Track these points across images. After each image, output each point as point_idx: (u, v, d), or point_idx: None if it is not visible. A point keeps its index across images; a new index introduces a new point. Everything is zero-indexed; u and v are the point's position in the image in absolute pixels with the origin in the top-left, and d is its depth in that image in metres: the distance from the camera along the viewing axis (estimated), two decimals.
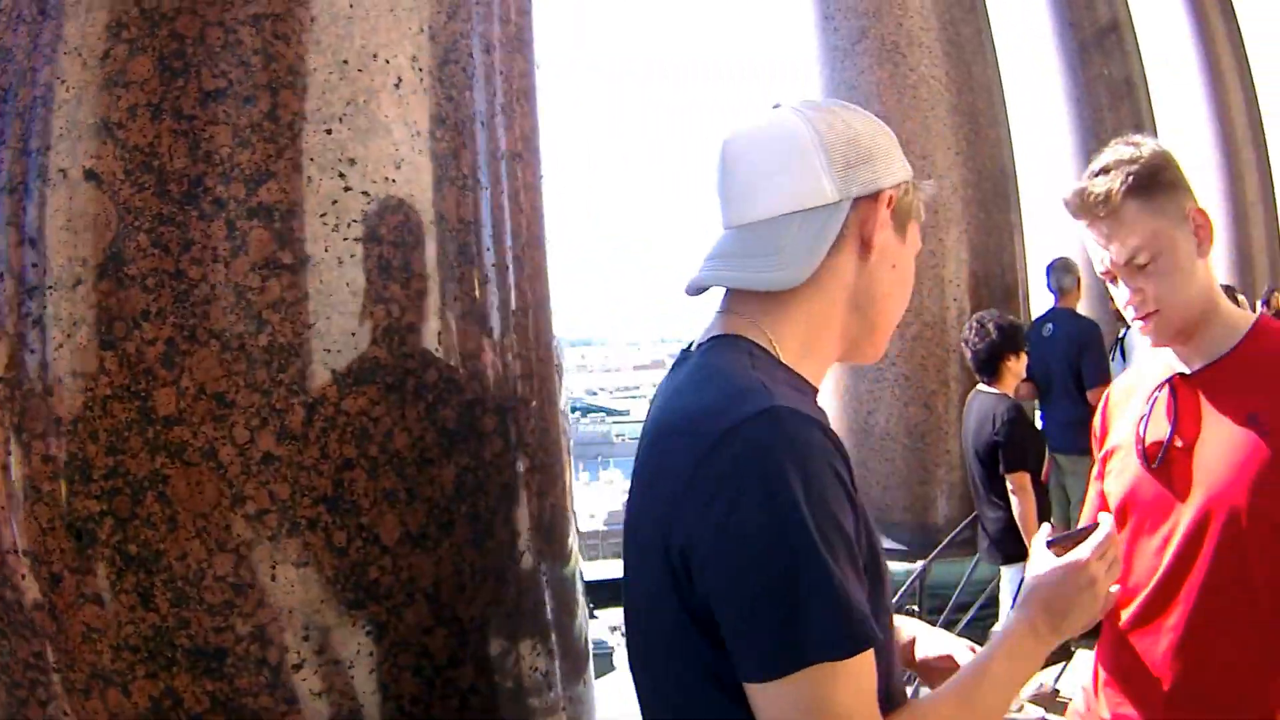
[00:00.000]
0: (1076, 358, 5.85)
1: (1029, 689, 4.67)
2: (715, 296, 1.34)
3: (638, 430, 1.38)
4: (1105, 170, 1.72)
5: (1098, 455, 1.95)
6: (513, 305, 1.77)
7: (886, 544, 6.17)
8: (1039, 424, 6.07)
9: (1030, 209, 7.04)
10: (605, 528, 29.48)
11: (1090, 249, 1.76)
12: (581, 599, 1.94)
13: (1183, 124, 11.57)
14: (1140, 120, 9.90)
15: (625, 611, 1.32)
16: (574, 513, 1.95)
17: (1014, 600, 1.40)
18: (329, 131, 1.54)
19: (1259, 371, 1.72)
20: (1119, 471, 1.85)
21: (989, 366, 4.77)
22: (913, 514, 6.35)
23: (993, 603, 5.34)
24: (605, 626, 8.50)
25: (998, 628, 1.35)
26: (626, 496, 1.32)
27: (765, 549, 1.10)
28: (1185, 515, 1.72)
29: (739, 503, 1.11)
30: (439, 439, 1.59)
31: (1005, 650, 1.32)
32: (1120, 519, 1.77)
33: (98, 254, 1.49)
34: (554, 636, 1.80)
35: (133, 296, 1.48)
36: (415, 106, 1.62)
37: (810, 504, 1.10)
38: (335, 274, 1.53)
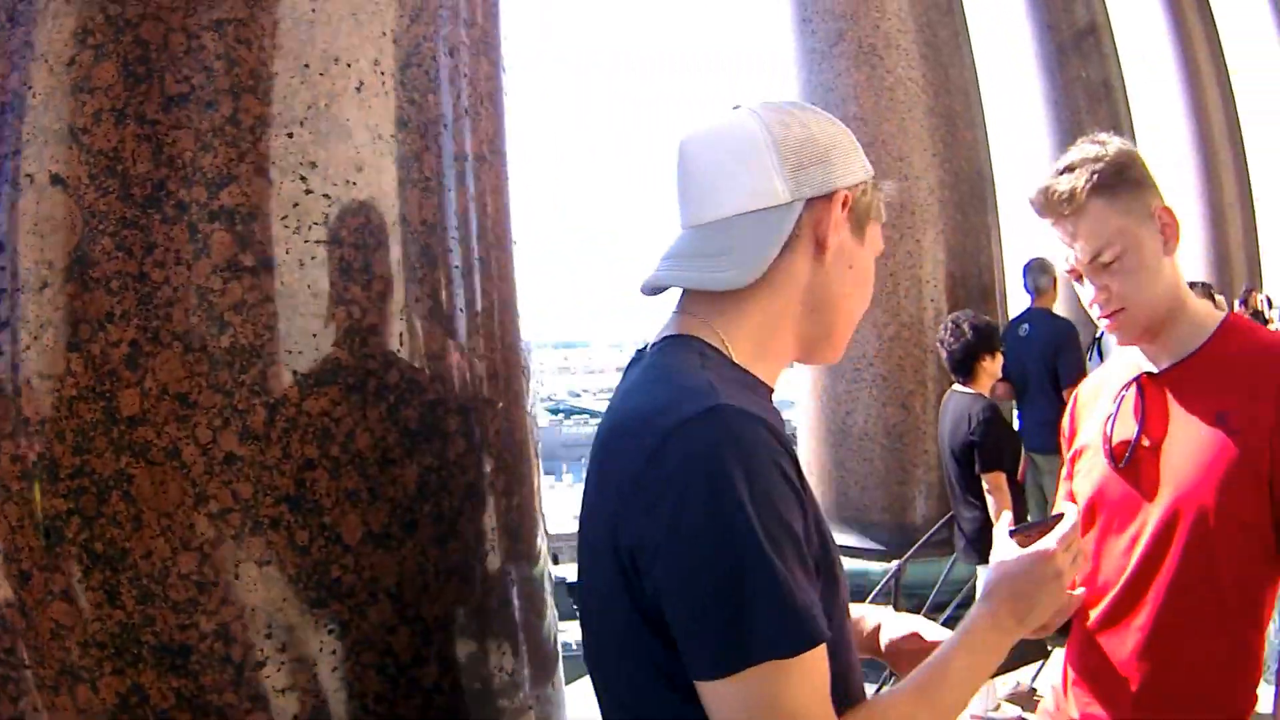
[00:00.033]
0: (1053, 358, 5.88)
1: (1006, 688, 4.70)
2: (674, 296, 1.35)
3: None
4: (1070, 168, 1.72)
5: (1066, 455, 1.95)
6: (478, 306, 1.77)
7: (864, 544, 6.20)
8: (1016, 424, 6.10)
9: (1008, 210, 7.07)
10: None
11: (1056, 247, 1.77)
12: (550, 600, 1.94)
13: (1159, 122, 11.62)
14: (1118, 122, 9.92)
15: (579, 612, 1.32)
16: (543, 514, 1.94)
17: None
18: (290, 135, 1.55)
19: (1227, 370, 1.71)
20: (1087, 471, 1.85)
21: (964, 367, 4.79)
22: (891, 514, 6.34)
23: (969, 602, 5.32)
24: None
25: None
26: (581, 498, 1.32)
27: (711, 549, 1.10)
28: (1153, 515, 1.72)
29: (685, 503, 1.11)
30: (401, 439, 1.60)
31: (967, 644, 1.31)
32: (1088, 518, 1.77)
33: (64, 257, 1.50)
34: (521, 637, 1.81)
35: (98, 299, 1.49)
36: (378, 110, 1.63)
37: (755, 503, 1.10)
38: (297, 276, 1.54)
